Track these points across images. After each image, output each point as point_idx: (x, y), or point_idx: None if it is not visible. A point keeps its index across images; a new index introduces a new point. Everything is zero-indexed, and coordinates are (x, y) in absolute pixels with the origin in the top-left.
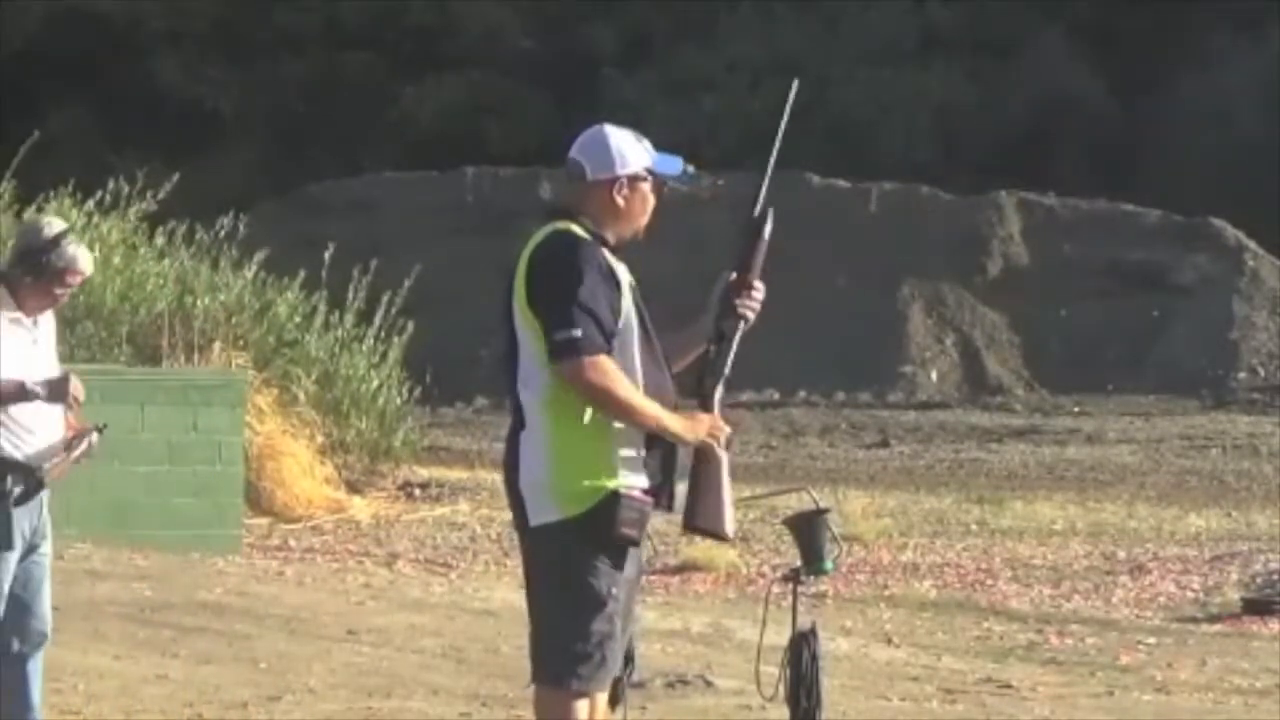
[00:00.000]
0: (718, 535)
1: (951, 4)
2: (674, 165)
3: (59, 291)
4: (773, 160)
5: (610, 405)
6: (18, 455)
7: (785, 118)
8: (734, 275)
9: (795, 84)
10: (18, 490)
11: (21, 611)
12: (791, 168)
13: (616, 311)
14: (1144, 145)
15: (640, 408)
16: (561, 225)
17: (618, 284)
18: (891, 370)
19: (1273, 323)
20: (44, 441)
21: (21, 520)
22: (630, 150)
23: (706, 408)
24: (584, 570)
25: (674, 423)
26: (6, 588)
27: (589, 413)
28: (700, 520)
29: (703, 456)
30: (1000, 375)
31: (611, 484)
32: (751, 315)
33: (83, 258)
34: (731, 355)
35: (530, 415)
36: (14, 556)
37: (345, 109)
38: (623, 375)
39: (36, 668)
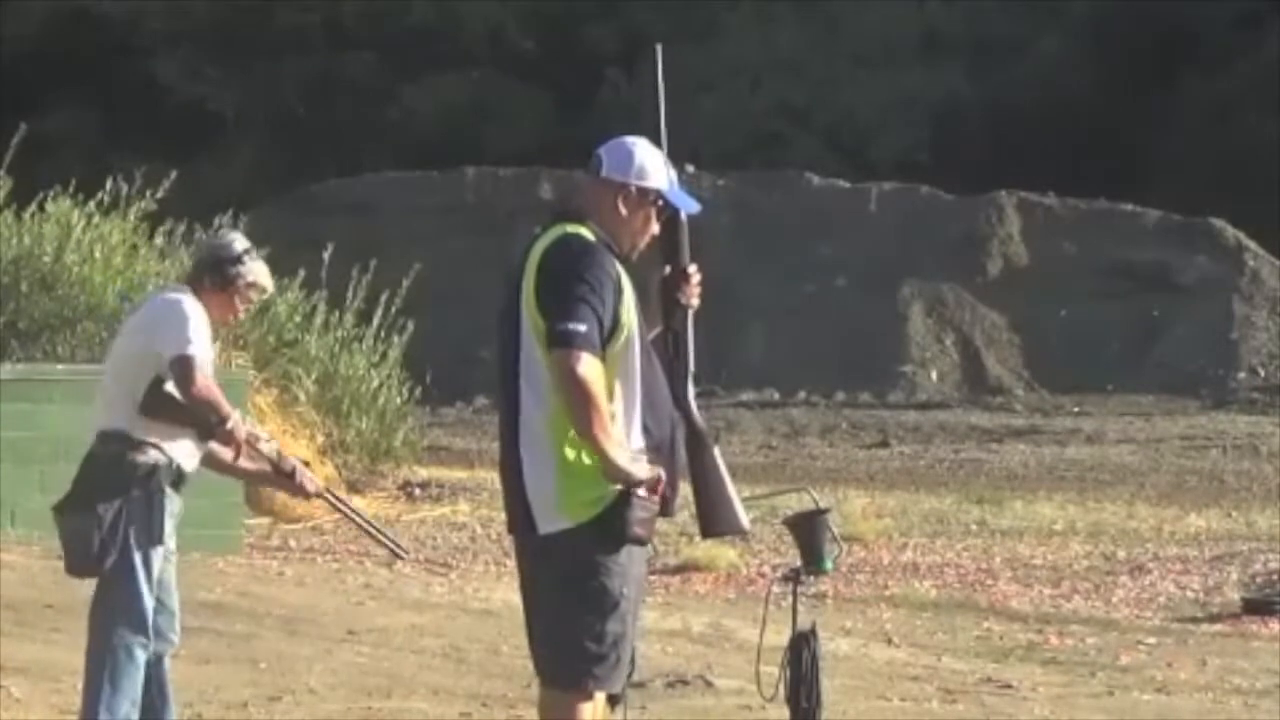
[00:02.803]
0: (737, 533)
1: (951, 4)
2: (690, 204)
3: (240, 307)
4: (664, 136)
5: (582, 407)
6: (172, 451)
7: (661, 90)
8: (666, 269)
9: (658, 49)
10: (166, 488)
11: (156, 610)
12: (791, 168)
13: (617, 320)
14: (1144, 145)
15: (601, 426)
16: (570, 228)
17: (622, 293)
18: (891, 370)
19: (1273, 323)
20: (192, 450)
21: (168, 517)
22: (652, 166)
23: (681, 408)
24: (596, 572)
25: (619, 456)
26: (155, 581)
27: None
28: (720, 525)
29: (699, 463)
30: (1000, 375)
31: (620, 485)
32: (696, 302)
33: (267, 275)
34: (690, 350)
35: (536, 423)
36: (162, 553)
37: (345, 109)
38: (603, 386)
39: (168, 666)
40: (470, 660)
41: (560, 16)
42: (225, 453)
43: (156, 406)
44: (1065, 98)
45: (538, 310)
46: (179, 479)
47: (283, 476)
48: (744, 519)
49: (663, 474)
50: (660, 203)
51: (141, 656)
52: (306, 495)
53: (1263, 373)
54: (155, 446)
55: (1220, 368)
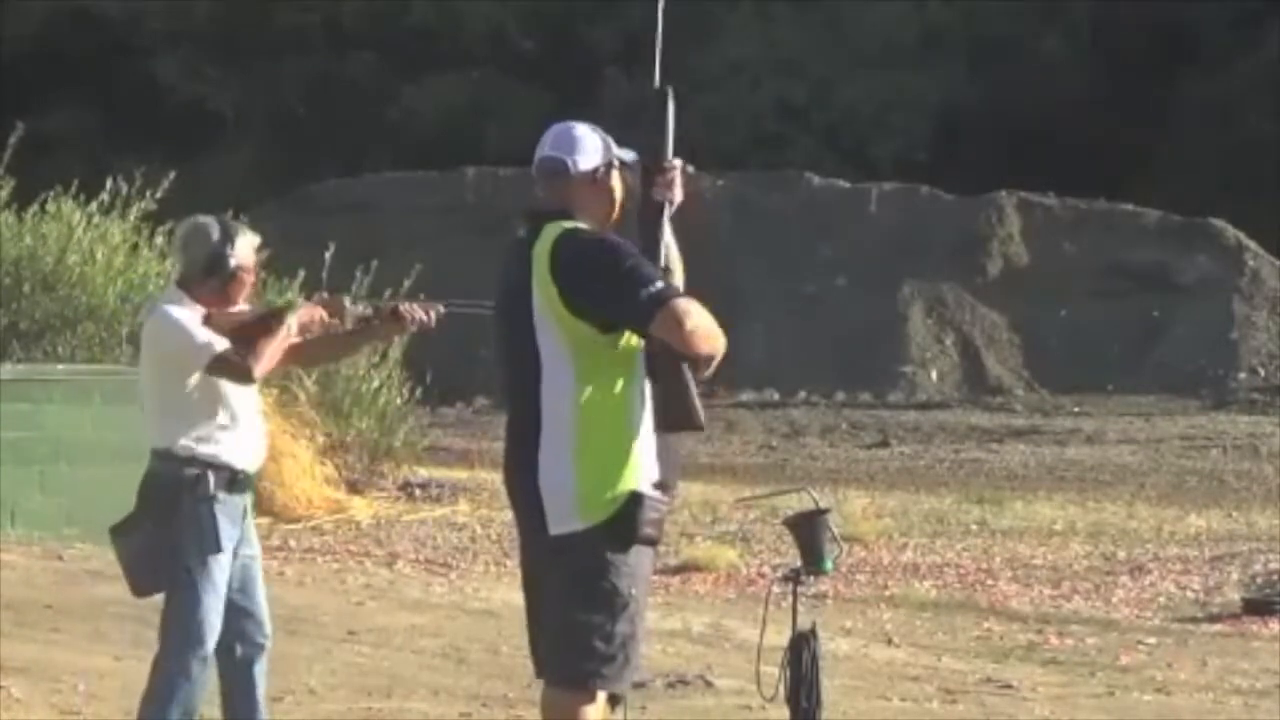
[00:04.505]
0: (693, 429)
1: (952, 4)
2: (630, 155)
3: (243, 293)
4: (660, 41)
5: (707, 347)
6: (220, 456)
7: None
8: (641, 164)
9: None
10: (220, 493)
11: (239, 615)
12: (791, 168)
13: None
14: (1144, 145)
15: (720, 342)
16: (569, 225)
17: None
18: (891, 370)
19: (1273, 323)
20: (245, 443)
21: (227, 524)
22: (602, 141)
23: None
24: (608, 572)
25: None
26: (224, 590)
27: (618, 417)
28: (674, 422)
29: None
30: (1000, 375)
31: (633, 486)
32: (675, 196)
33: (248, 247)
34: (663, 248)
35: (561, 423)
36: (226, 560)
37: (345, 109)
38: (707, 313)
39: (261, 671)
40: (470, 660)
41: (560, 16)
42: (313, 324)
43: (232, 372)
44: (1065, 98)
45: (571, 310)
46: (234, 481)
47: (390, 323)
48: (700, 415)
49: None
50: (620, 166)
51: (198, 669)
52: (428, 327)
53: (1263, 373)
54: (197, 457)
55: (1220, 368)
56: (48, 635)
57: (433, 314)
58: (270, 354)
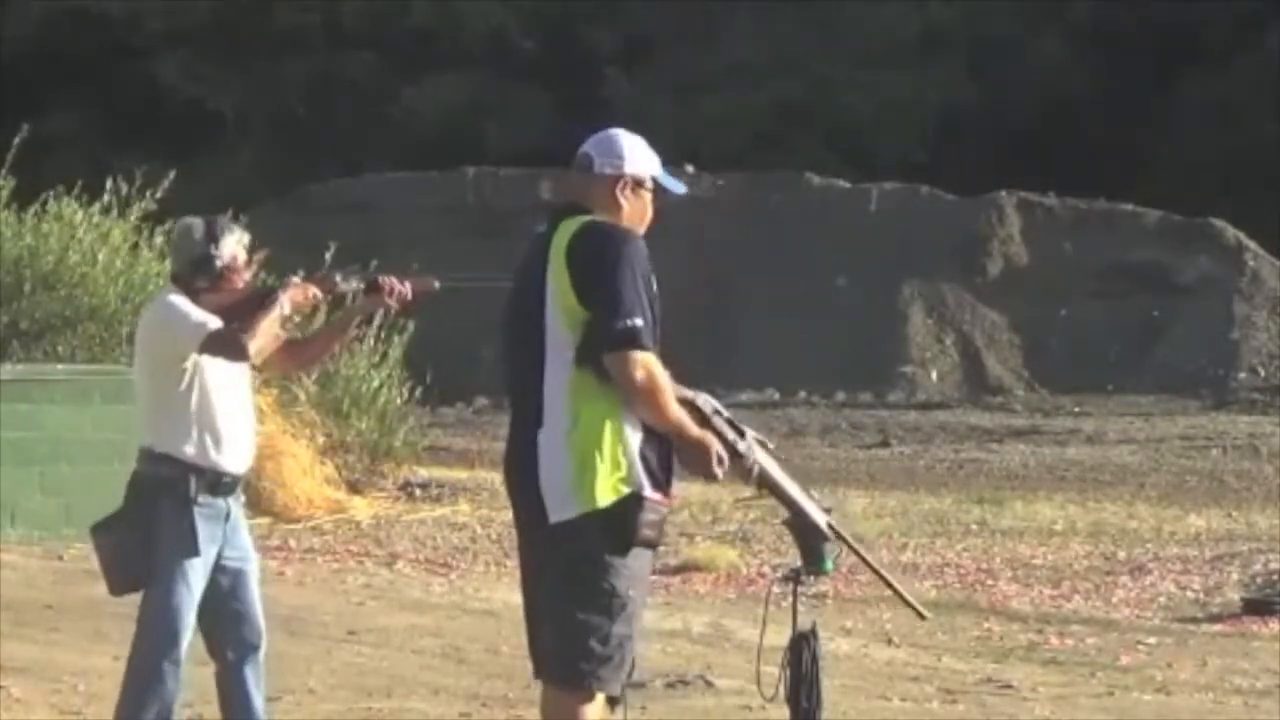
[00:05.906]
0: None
1: (952, 4)
2: (678, 185)
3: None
4: None
5: (649, 404)
6: (202, 460)
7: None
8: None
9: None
10: (201, 495)
11: (230, 618)
12: (791, 168)
13: (656, 310)
14: (1144, 145)
15: (672, 413)
16: (587, 218)
17: (651, 282)
18: (891, 370)
19: (1273, 323)
20: (232, 446)
21: (207, 527)
22: (641, 154)
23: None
24: (606, 571)
25: (693, 431)
26: (199, 595)
27: (615, 411)
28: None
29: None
30: (1000, 375)
31: (632, 486)
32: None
33: (236, 242)
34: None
35: (555, 410)
36: (202, 564)
37: (345, 109)
38: (666, 376)
39: (255, 676)
40: (470, 660)
41: (560, 16)
42: (307, 302)
43: (227, 348)
44: (1065, 98)
45: (577, 302)
46: (217, 484)
47: (371, 296)
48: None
49: (714, 444)
50: (654, 187)
51: (169, 670)
52: (406, 298)
53: (1263, 373)
54: (179, 459)
55: (1220, 368)
56: (48, 635)
57: (409, 286)
58: (264, 330)
